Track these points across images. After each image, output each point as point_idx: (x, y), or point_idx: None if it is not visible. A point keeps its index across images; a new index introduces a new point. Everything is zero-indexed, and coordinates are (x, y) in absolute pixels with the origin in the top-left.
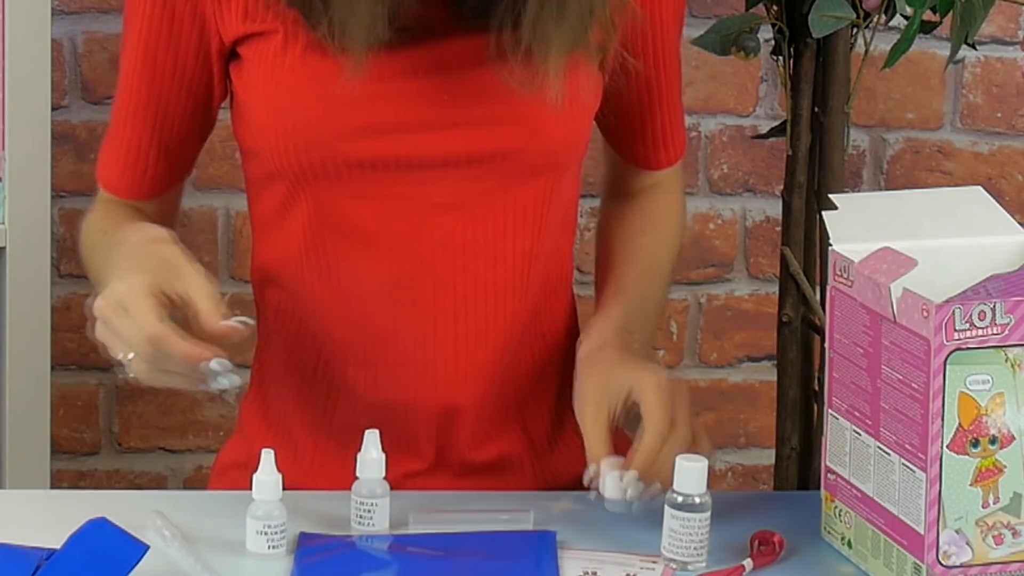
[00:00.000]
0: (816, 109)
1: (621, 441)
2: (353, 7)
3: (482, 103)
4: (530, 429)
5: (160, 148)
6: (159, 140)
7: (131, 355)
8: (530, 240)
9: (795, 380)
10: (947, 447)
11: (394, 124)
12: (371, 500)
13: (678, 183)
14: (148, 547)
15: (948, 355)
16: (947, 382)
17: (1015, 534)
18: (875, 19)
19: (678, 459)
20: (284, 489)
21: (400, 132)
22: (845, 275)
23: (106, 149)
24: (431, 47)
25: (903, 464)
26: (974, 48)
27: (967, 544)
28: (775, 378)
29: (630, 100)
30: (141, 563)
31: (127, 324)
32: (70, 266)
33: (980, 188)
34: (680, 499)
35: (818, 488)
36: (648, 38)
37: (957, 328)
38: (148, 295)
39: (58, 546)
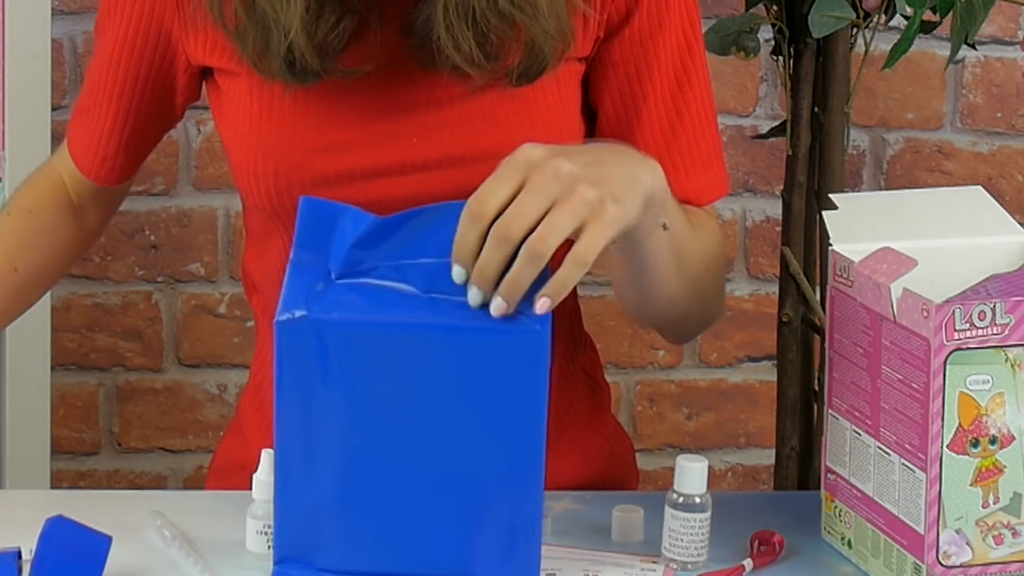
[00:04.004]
0: (816, 109)
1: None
2: (267, 40)
3: (454, 142)
4: None
5: (120, 144)
6: (120, 136)
7: None
8: None
9: (795, 380)
10: (947, 447)
11: (363, 170)
12: None
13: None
14: (111, 538)
15: (948, 355)
16: (947, 382)
17: (1015, 534)
18: (875, 19)
19: (678, 459)
20: None
21: (371, 178)
22: (845, 275)
23: (76, 119)
24: (396, 87)
25: (903, 464)
26: (974, 48)
27: (967, 544)
28: (775, 378)
29: (611, 119)
30: (142, 563)
31: None
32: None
33: (980, 188)
34: (680, 499)
35: (818, 488)
36: (639, 43)
37: (957, 328)
38: None
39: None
